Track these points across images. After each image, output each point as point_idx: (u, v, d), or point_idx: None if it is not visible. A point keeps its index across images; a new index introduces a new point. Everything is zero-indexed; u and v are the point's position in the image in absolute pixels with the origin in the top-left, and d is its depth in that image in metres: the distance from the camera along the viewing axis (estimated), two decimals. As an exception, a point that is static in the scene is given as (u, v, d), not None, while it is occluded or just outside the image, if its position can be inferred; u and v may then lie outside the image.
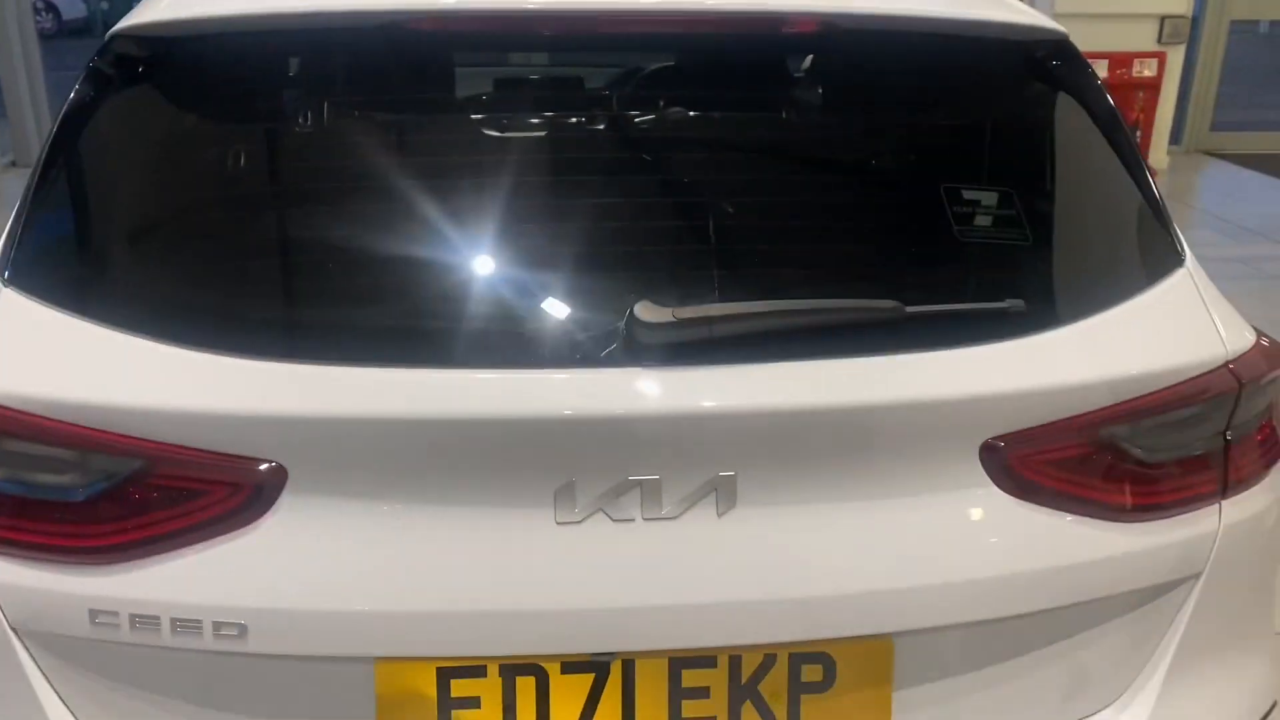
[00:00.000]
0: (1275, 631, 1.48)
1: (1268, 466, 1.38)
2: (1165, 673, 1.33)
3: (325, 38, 1.41)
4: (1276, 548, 1.42)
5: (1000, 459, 1.22)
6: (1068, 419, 1.22)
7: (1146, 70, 7.17)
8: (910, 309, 1.20)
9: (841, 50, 1.38)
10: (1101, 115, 1.43)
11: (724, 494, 1.18)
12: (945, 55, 1.43)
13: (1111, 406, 1.23)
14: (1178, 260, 1.38)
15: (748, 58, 1.42)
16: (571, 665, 1.22)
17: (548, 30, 1.37)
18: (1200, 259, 5.11)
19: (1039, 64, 1.44)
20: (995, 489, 1.23)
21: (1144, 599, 1.30)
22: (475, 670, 1.21)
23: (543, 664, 1.21)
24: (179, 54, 1.39)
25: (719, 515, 1.19)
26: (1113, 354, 1.25)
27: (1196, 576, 1.31)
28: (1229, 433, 1.30)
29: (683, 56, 1.58)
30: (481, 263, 1.25)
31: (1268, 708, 1.46)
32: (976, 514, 1.23)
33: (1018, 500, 1.23)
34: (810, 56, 1.48)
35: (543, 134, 1.40)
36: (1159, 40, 7.13)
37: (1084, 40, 5.95)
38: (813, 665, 1.23)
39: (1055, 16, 5.71)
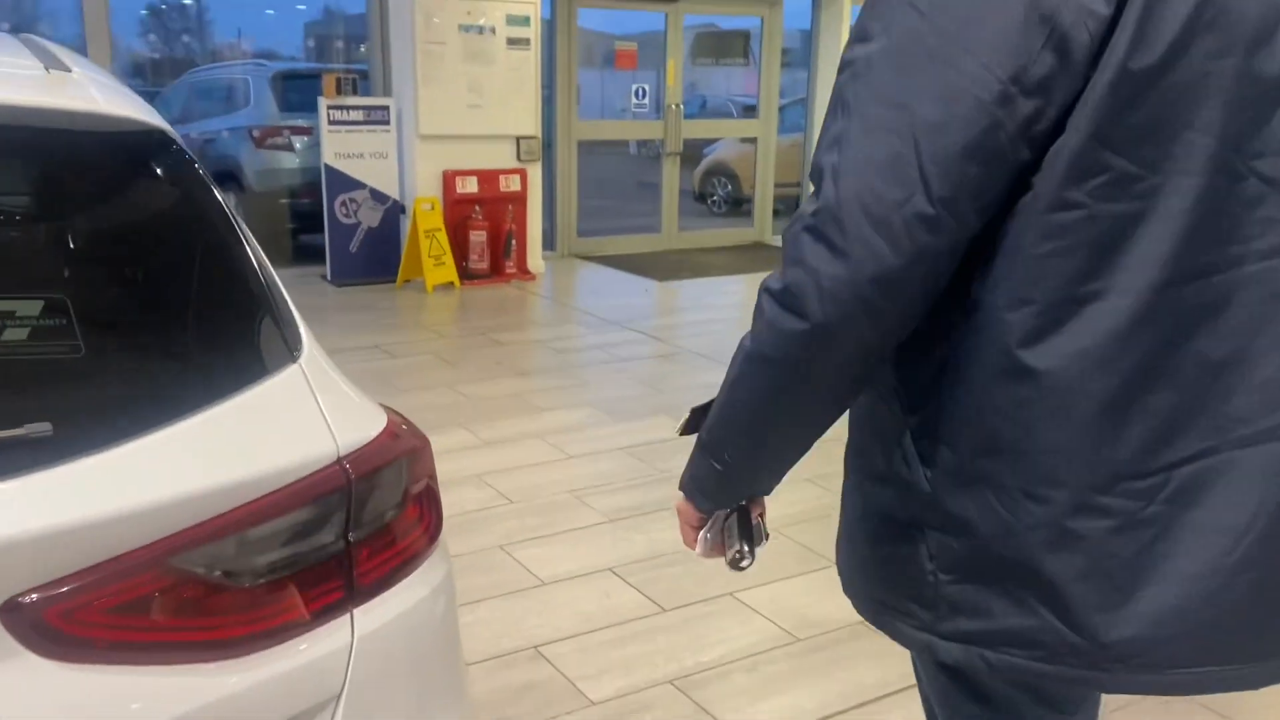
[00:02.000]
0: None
1: (417, 555, 1.32)
2: (322, 814, 1.19)
3: None
4: (445, 639, 1.36)
5: (33, 619, 0.99)
6: (126, 554, 1.04)
7: (512, 185, 7.80)
8: None
9: None
10: (203, 209, 1.30)
11: None
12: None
13: (186, 531, 1.07)
14: (287, 357, 1.27)
15: None
16: None
17: None
18: (568, 350, 5.46)
19: (126, 156, 1.29)
20: (35, 657, 1.00)
21: (274, 741, 1.15)
22: None
23: None
24: None
25: None
26: (182, 471, 1.09)
27: (336, 699, 1.19)
28: (351, 534, 1.21)
29: None
30: None
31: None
32: (13, 693, 0.98)
33: (71, 665, 1.01)
34: None
35: None
36: (518, 158, 7.80)
37: (453, 159, 6.20)
38: None
39: (420, 138, 5.90)
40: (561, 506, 3.85)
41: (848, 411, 1.21)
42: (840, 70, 1.06)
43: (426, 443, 1.35)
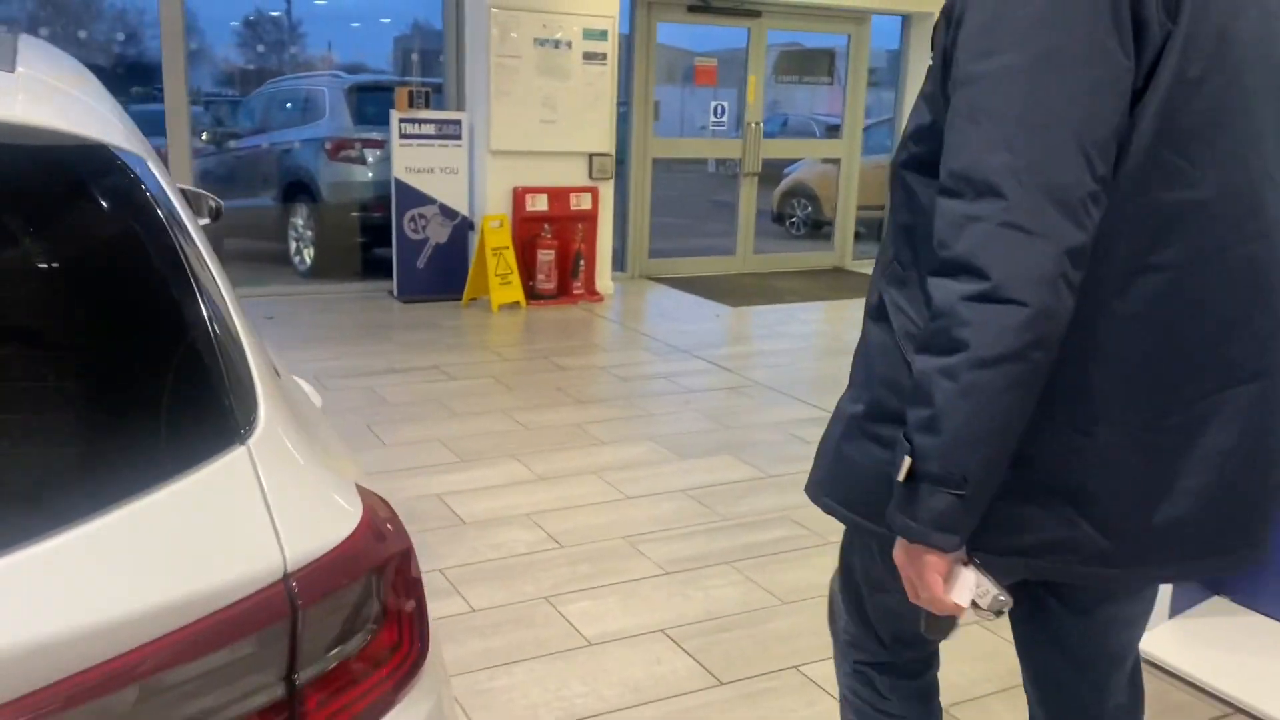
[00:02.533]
0: None
1: (393, 692, 1.03)
2: None
3: None
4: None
5: None
6: (-29, 719, 0.77)
7: (583, 203, 7.57)
8: None
9: None
10: (138, 243, 1.04)
11: None
12: None
13: (61, 683, 0.80)
14: (231, 437, 1.00)
15: None
16: None
17: None
18: (632, 377, 5.04)
19: (46, 175, 1.03)
20: None
21: None
22: None
23: None
24: None
25: None
26: (59, 602, 0.82)
27: None
28: (297, 676, 0.93)
29: None
30: None
31: None
32: None
33: None
34: None
35: None
36: (590, 176, 7.57)
37: (523, 175, 5.91)
38: None
39: (491, 153, 5.65)
40: (615, 554, 3.56)
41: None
42: (968, 83, 1.19)
43: (410, 546, 1.07)
